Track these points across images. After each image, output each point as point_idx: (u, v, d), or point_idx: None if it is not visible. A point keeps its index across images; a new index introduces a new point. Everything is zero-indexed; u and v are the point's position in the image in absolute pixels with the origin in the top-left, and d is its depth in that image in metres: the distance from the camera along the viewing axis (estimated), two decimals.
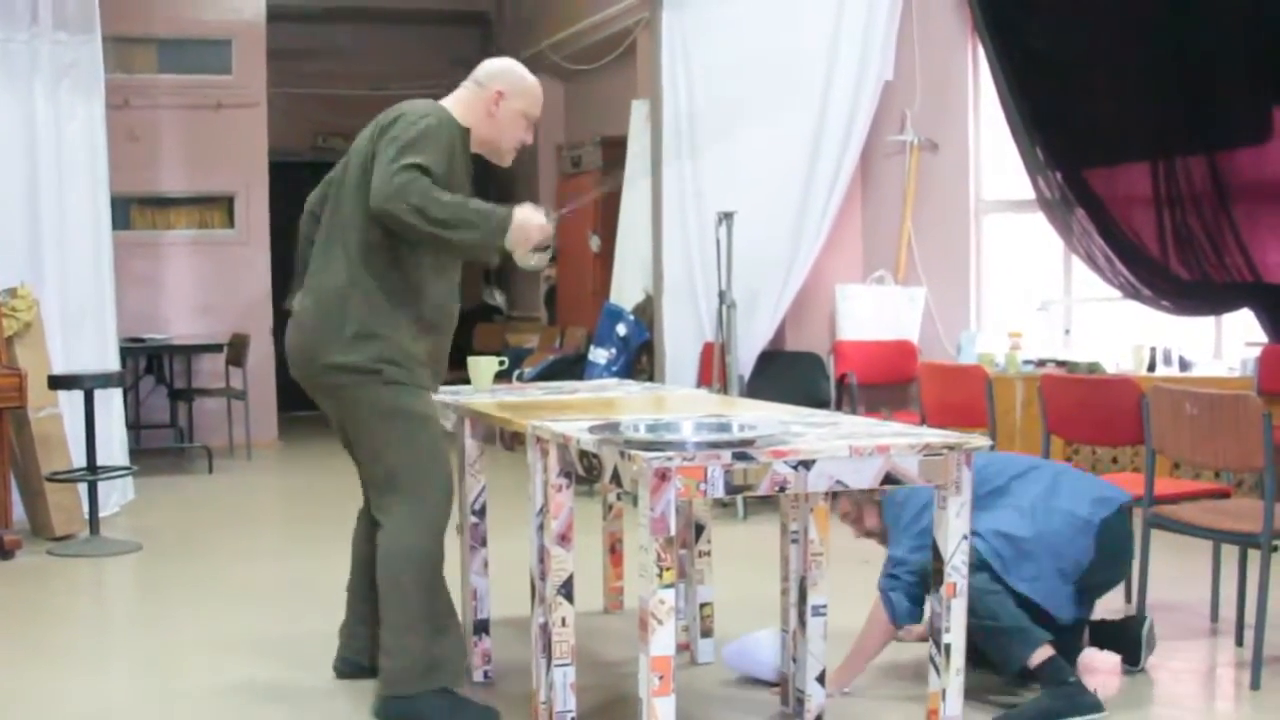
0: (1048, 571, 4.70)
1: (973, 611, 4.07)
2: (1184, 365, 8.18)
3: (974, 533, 4.21)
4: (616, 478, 3.69)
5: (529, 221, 4.59)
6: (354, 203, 4.66)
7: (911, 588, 4.72)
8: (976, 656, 4.45)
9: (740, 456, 3.51)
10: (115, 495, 8.93)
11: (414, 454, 4.65)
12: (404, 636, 4.61)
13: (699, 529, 5.27)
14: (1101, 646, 5.11)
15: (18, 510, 8.11)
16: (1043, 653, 4.59)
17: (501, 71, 4.87)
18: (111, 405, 8.98)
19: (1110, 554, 4.86)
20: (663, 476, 3.45)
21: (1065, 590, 4.75)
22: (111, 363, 8.95)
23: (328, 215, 4.81)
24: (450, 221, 4.42)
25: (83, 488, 8.06)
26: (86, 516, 8.02)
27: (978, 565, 4.53)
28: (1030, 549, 4.69)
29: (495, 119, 4.81)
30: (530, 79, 4.91)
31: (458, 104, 4.82)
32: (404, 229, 4.47)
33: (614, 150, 11.52)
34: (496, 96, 4.80)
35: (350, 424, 4.73)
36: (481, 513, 5.05)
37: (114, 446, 8.96)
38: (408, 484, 4.65)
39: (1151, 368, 8.18)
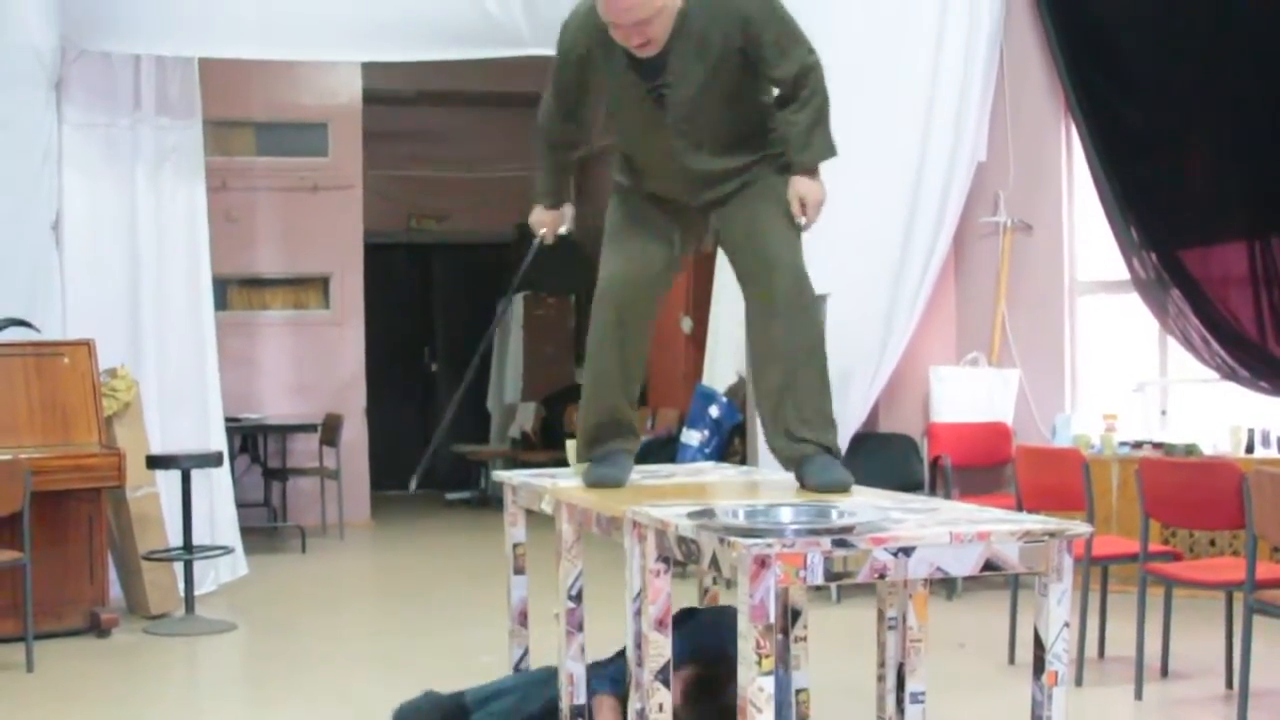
0: None
1: None
2: None
3: None
4: (715, 564, 3.68)
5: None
6: None
7: None
8: None
9: (840, 544, 3.48)
10: (212, 574, 8.99)
11: None
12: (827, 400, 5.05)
13: (795, 614, 5.22)
14: None
15: (115, 589, 8.20)
16: None
17: None
18: (219, 484, 9.07)
19: None
20: (762, 563, 3.43)
21: None
22: (216, 443, 9.03)
23: None
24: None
25: (179, 566, 8.14)
26: (182, 595, 8.09)
27: None
28: None
29: None
30: None
31: None
32: None
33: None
34: None
35: None
36: (578, 598, 5.03)
37: (222, 524, 9.05)
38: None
39: (1250, 449, 8.09)
